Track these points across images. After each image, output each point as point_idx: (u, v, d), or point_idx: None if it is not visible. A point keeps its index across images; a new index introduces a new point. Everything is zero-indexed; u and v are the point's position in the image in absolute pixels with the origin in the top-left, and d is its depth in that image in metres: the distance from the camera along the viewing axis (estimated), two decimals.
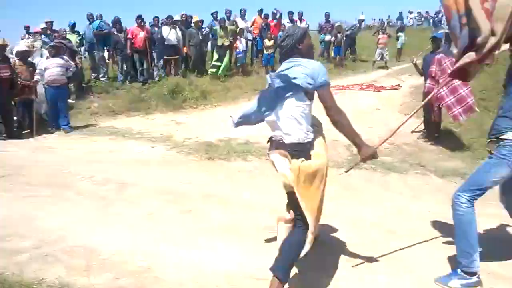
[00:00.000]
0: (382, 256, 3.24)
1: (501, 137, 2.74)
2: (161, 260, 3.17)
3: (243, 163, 6.00)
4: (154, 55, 11.53)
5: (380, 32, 14.82)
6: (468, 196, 2.79)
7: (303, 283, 2.89)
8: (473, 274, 2.79)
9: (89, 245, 3.34)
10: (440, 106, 6.78)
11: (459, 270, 2.83)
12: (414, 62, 7.53)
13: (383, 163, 6.00)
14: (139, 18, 10.99)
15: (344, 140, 7.01)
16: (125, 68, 11.11)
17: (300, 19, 14.21)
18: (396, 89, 10.66)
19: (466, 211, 2.77)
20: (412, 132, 7.55)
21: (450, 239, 3.36)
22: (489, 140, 2.87)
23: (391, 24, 29.06)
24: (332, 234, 3.66)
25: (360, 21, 14.59)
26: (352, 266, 3.10)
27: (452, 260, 3.06)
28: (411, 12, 27.89)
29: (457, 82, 6.26)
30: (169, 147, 6.81)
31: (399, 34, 15.48)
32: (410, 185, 5.37)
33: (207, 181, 5.19)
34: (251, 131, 7.47)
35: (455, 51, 2.88)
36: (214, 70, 11.68)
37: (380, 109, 9.11)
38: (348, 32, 14.57)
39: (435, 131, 7.24)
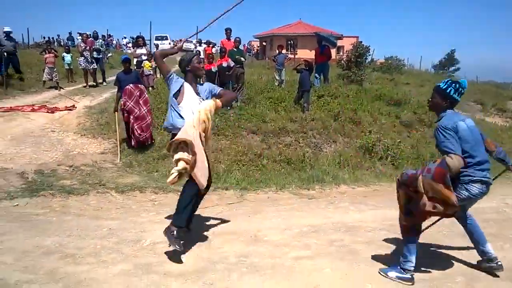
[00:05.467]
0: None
1: None
2: None
3: None
4: None
5: (47, 51, 14.09)
6: None
7: None
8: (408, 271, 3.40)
9: None
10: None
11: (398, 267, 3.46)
12: None
13: (62, 187, 5.81)
14: None
15: (16, 168, 6.40)
16: None
17: None
18: (70, 110, 10.46)
19: None
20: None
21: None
22: None
23: (62, 44, 28.25)
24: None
25: (8, 33, 13.15)
26: None
27: None
28: (80, 34, 27.83)
29: (144, 110, 7.88)
30: None
31: (64, 54, 14.96)
32: (92, 205, 5.42)
33: None
34: None
35: None
36: None
37: (55, 131, 8.73)
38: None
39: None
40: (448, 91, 3.36)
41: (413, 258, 3.42)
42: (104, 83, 14.82)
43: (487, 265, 3.62)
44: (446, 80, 3.47)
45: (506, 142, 10.85)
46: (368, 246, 4.22)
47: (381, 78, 18.40)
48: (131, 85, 7.82)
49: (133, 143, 7.87)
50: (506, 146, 10.46)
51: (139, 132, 7.76)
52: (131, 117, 7.77)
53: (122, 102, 7.79)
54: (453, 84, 3.37)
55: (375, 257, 3.90)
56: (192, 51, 20.66)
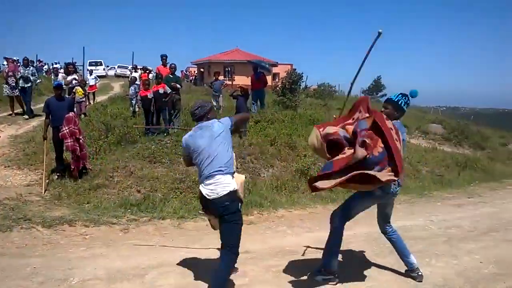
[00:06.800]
0: None
1: None
2: None
3: None
4: None
5: None
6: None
7: None
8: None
9: None
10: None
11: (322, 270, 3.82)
12: None
13: None
14: None
15: None
16: None
17: None
18: None
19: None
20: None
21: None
22: None
23: None
24: None
25: None
26: None
27: None
28: (7, 58, 26.27)
29: (82, 138, 7.70)
30: None
31: None
32: (15, 243, 5.04)
33: None
34: None
35: None
36: None
37: None
38: None
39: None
40: (400, 103, 3.78)
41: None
42: (26, 117, 12.75)
43: (410, 275, 4.02)
44: (396, 94, 3.86)
45: (430, 162, 11.64)
46: (305, 270, 4.28)
47: (314, 104, 19.11)
48: (72, 113, 7.65)
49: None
50: (430, 165, 11.26)
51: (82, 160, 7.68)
52: (72, 144, 7.52)
53: (66, 131, 7.41)
54: (404, 97, 3.79)
55: (312, 282, 3.97)
56: (128, 77, 20.27)
